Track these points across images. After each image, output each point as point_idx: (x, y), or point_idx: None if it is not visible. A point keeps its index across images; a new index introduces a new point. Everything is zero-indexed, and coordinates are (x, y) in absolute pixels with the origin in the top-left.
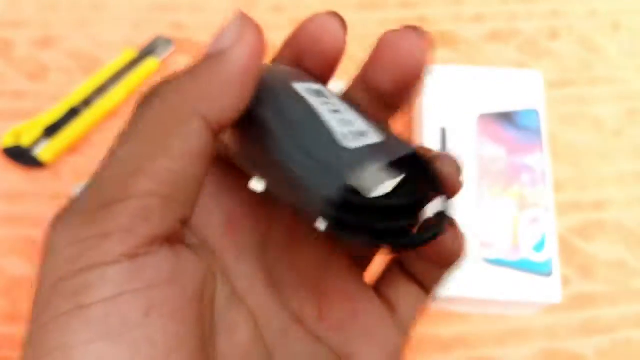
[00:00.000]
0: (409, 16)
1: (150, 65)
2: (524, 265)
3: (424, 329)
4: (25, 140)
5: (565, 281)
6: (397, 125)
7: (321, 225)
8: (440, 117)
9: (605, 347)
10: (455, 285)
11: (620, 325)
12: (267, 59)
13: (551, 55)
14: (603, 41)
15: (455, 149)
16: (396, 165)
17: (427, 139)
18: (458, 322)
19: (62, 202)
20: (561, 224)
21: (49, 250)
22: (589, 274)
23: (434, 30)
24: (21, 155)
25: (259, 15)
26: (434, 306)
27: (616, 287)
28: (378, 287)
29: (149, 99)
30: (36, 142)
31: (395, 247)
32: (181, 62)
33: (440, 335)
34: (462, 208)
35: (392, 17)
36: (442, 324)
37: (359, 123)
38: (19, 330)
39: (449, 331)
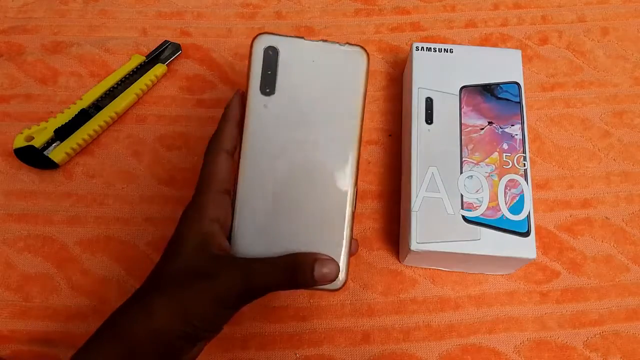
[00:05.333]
0: (403, 22)
1: (158, 69)
2: (502, 224)
3: (415, 318)
4: (36, 142)
5: (555, 275)
6: (386, 95)
7: None
8: (427, 88)
9: (594, 339)
10: (437, 241)
11: (608, 319)
12: None
13: (540, 59)
14: (591, 46)
15: (440, 117)
16: None
17: (415, 108)
18: (449, 311)
19: (73, 201)
20: (550, 221)
21: None
22: (577, 269)
23: (427, 36)
24: (33, 157)
25: (261, 22)
26: (422, 287)
27: (604, 282)
28: None
29: None
30: (47, 144)
31: None
32: (188, 66)
33: (432, 323)
34: (446, 172)
35: (388, 23)
36: (433, 313)
37: None
38: (30, 325)
39: (440, 319)
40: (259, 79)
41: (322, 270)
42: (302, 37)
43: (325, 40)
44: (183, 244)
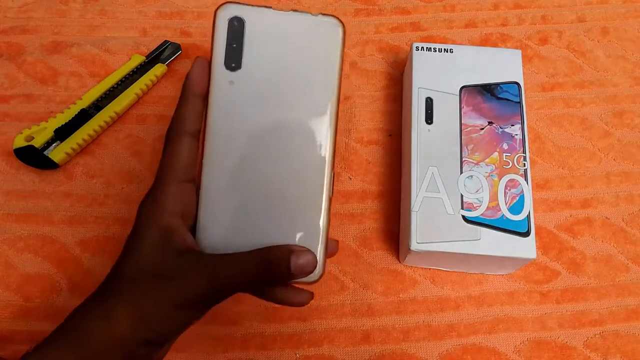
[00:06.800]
0: (403, 22)
1: (158, 69)
2: (502, 224)
3: (415, 318)
4: (36, 142)
5: (555, 275)
6: (386, 95)
7: None
8: (427, 88)
9: (594, 339)
10: (437, 241)
11: (608, 319)
12: None
13: (540, 59)
14: (591, 46)
15: (440, 117)
16: None
17: (415, 108)
18: (450, 311)
19: (73, 201)
20: (550, 221)
21: None
22: (577, 269)
23: (427, 36)
24: (33, 157)
25: None
26: (422, 287)
27: (604, 282)
28: None
29: None
30: (47, 144)
31: None
32: (188, 66)
33: (432, 323)
34: (446, 172)
35: (388, 23)
36: (433, 313)
37: None
38: (30, 325)
39: (440, 319)
40: (224, 52)
41: (298, 262)
42: (269, 7)
43: (296, 10)
44: (141, 241)
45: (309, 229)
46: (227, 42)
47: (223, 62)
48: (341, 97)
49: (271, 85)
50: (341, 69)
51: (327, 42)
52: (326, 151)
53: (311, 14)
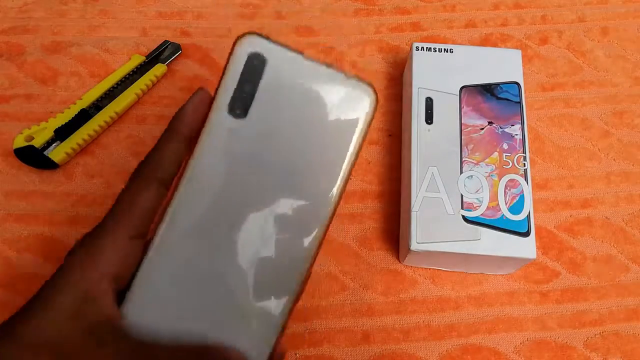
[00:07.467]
0: (403, 22)
1: (158, 69)
2: (502, 224)
3: (415, 318)
4: (36, 142)
5: (555, 275)
6: (386, 95)
7: None
8: (427, 88)
9: (594, 339)
10: (437, 241)
11: (608, 319)
12: None
13: (540, 59)
14: (591, 46)
15: (440, 117)
16: None
17: (415, 108)
18: (450, 311)
19: (74, 201)
20: (550, 221)
21: None
22: (577, 269)
23: (427, 36)
24: (33, 157)
25: (261, 22)
26: (422, 287)
27: (604, 282)
28: None
29: None
30: (47, 144)
31: None
32: (187, 66)
33: (432, 323)
34: (446, 172)
35: (388, 23)
36: (433, 313)
37: None
38: None
39: (440, 319)
40: (232, 93)
41: None
42: (301, 53)
43: (330, 65)
44: (53, 301)
45: (260, 332)
46: (239, 82)
47: (227, 104)
48: None
49: (274, 146)
50: (361, 146)
51: (352, 112)
52: (313, 246)
53: (345, 74)
